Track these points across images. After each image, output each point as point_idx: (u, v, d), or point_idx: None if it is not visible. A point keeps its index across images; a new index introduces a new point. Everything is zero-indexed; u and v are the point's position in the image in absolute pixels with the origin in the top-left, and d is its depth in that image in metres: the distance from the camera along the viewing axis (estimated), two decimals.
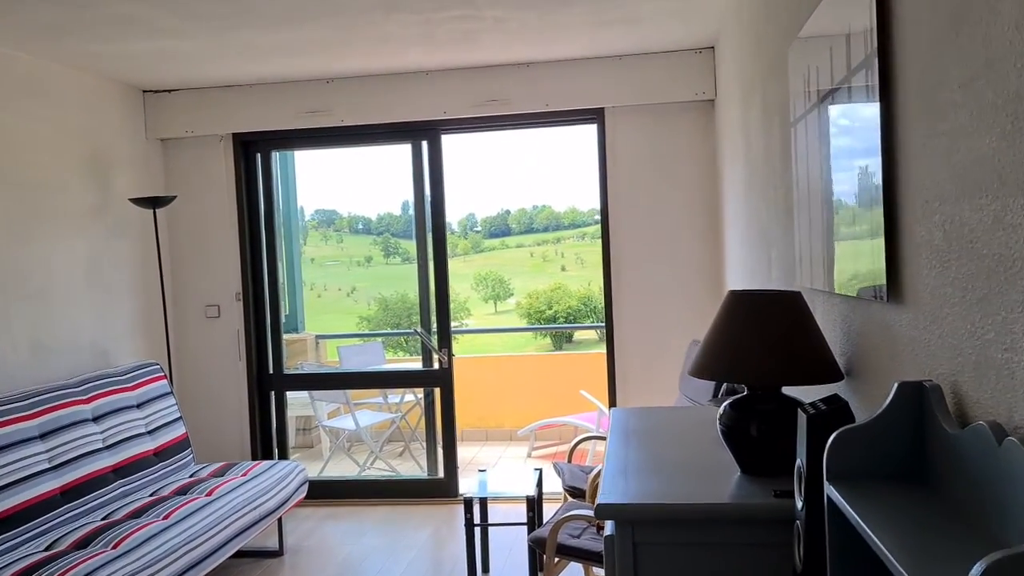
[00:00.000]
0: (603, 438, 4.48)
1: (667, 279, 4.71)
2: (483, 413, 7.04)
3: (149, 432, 4.19)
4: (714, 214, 4.64)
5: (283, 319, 6.79)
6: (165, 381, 4.48)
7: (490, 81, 4.70)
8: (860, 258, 1.70)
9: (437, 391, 5.05)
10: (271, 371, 5.11)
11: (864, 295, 1.70)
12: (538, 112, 4.73)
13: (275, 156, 6.98)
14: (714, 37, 4.33)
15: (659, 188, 4.70)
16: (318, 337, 7.06)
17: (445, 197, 4.92)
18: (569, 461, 4.32)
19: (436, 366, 5.00)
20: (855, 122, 1.70)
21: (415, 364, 5.45)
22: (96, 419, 3.89)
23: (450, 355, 4.96)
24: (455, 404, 5.02)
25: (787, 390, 1.95)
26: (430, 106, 4.76)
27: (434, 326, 5.01)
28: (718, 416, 2.01)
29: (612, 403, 4.83)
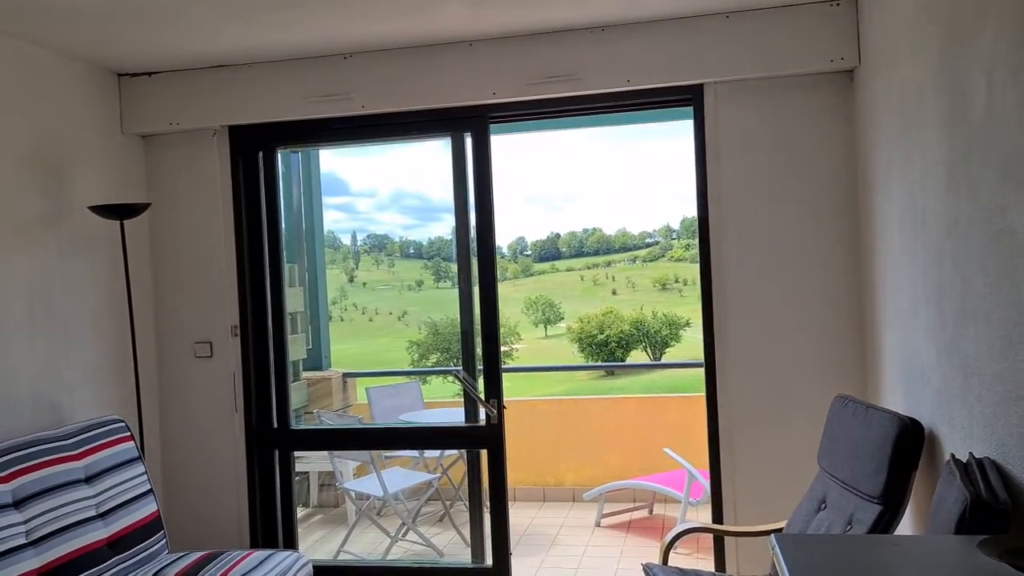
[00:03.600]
0: (709, 531, 3.31)
1: (792, 309, 3.53)
2: (539, 467, 5.88)
3: (101, 515, 3.13)
4: (855, 223, 3.46)
5: (302, 355, 5.76)
6: (131, 443, 3.43)
7: (553, 51, 3.60)
8: None
9: (484, 453, 3.92)
10: (275, 424, 4.04)
11: None
12: (616, 92, 3.61)
13: (297, 159, 6.00)
14: None
15: (778, 189, 3.54)
16: (346, 375, 6.01)
17: (494, 204, 3.83)
18: (665, 561, 3.15)
19: (482, 421, 3.88)
20: None
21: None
22: (18, 504, 2.84)
23: (500, 407, 3.83)
24: (507, 468, 3.89)
25: None
26: (475, 86, 3.68)
27: (480, 366, 3.90)
28: None
29: (714, 473, 3.64)
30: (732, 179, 3.56)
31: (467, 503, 5.63)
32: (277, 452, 4.05)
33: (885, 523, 2.56)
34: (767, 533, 3.13)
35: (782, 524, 3.13)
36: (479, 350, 3.90)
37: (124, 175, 3.93)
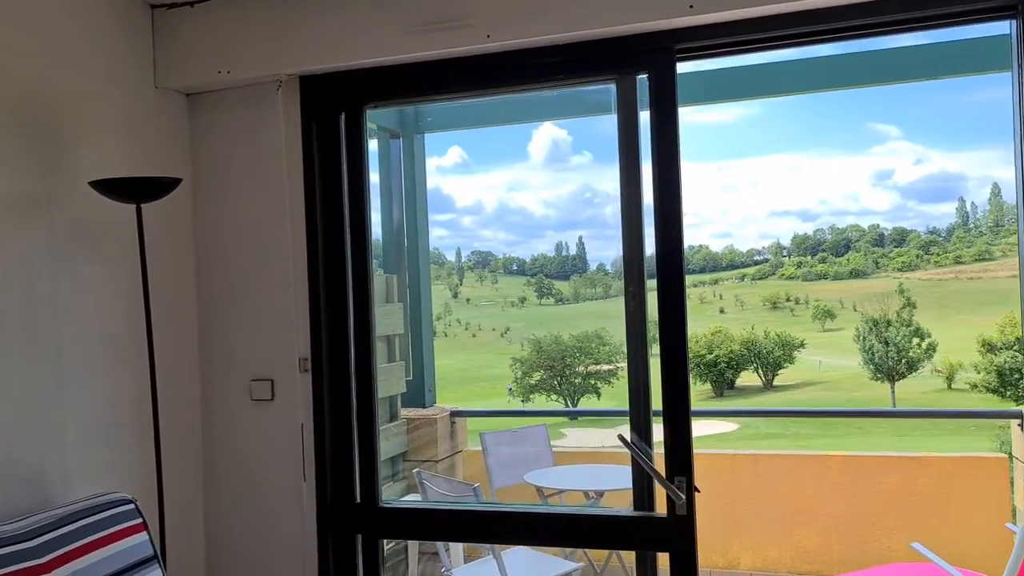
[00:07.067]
0: None
1: None
2: (703, 542, 4.49)
3: None
4: None
5: (401, 389, 4.60)
6: (143, 535, 2.29)
7: None
8: None
9: (665, 558, 2.60)
10: (359, 499, 2.83)
11: None
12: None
13: (397, 148, 4.85)
14: None
15: None
16: (454, 414, 4.79)
17: (681, 179, 2.53)
18: None
19: (663, 510, 2.57)
20: None
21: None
22: None
23: (690, 488, 2.51)
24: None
25: None
26: (658, 0, 2.41)
27: (655, 426, 2.60)
28: None
29: None
30: None
31: None
32: (360, 537, 2.84)
33: None
34: None
35: None
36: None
37: (158, 144, 2.83)
